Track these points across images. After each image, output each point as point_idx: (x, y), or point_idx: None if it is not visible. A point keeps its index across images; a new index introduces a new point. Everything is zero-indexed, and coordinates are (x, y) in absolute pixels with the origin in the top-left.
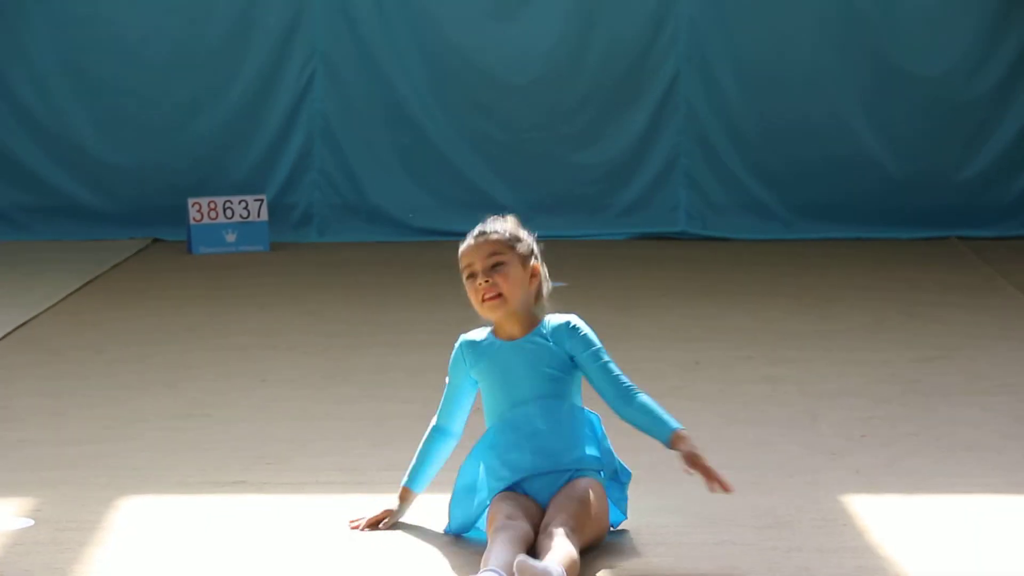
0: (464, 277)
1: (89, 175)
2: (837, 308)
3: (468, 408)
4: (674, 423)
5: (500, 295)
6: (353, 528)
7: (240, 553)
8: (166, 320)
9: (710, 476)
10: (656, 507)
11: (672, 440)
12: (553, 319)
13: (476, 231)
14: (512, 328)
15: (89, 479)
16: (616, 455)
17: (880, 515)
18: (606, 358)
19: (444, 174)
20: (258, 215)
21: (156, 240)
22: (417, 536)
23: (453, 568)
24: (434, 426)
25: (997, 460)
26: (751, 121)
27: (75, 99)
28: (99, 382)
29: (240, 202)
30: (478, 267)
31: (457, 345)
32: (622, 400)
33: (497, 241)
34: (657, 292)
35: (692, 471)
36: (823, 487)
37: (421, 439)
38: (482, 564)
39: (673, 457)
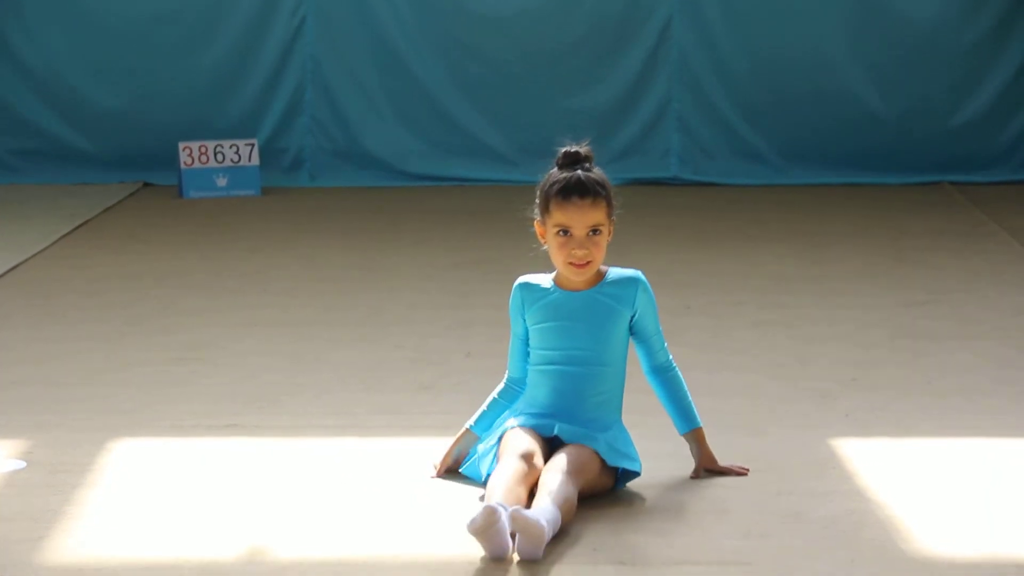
0: (552, 228)
1: (80, 119)
2: (828, 253)
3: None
4: (696, 420)
5: (590, 262)
6: (434, 478)
7: (233, 496)
8: (157, 264)
9: (726, 473)
10: (650, 451)
11: (689, 435)
12: (618, 272)
13: (577, 185)
14: (582, 283)
15: (82, 422)
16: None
17: (870, 458)
18: (659, 329)
19: (436, 119)
20: (249, 159)
21: (147, 184)
22: (409, 479)
23: (445, 510)
24: (508, 378)
25: (987, 403)
26: (744, 67)
27: (66, 42)
28: (91, 325)
29: (231, 146)
30: (577, 233)
31: (513, 290)
32: (657, 376)
33: (601, 208)
34: (648, 237)
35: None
36: (813, 431)
37: (494, 389)
38: (488, 490)
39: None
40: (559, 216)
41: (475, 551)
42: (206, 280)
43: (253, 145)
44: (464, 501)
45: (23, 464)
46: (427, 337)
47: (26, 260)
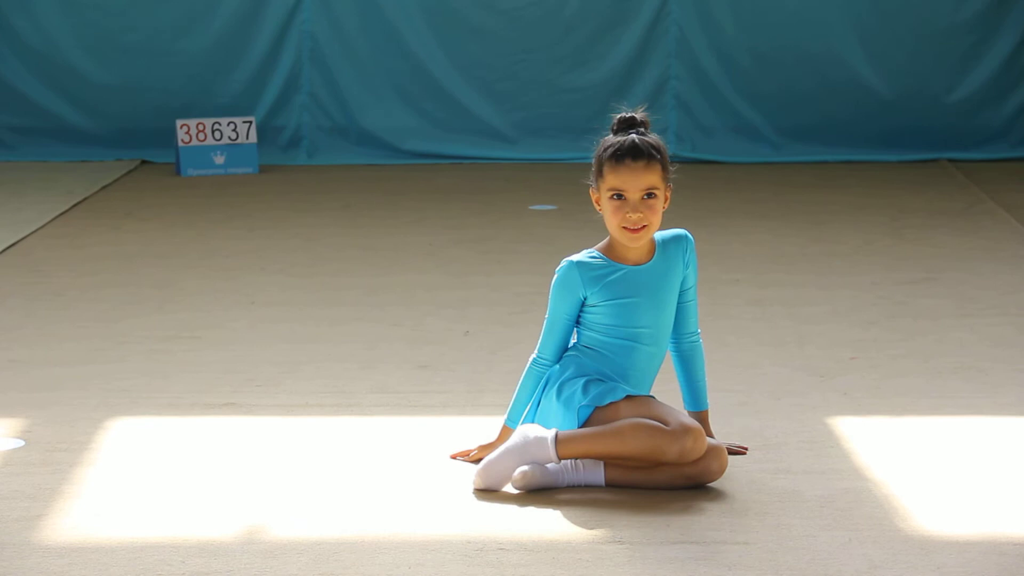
0: (606, 192)
1: (77, 96)
2: (826, 230)
3: (571, 336)
4: (705, 402)
5: (646, 227)
6: (453, 458)
7: (230, 475)
8: (155, 242)
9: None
10: None
11: (694, 415)
12: (664, 234)
13: (631, 148)
14: (639, 253)
15: (79, 400)
16: None
17: (867, 437)
18: (696, 293)
19: (433, 96)
20: (247, 137)
21: (144, 162)
22: (407, 458)
23: (442, 489)
24: (536, 359)
25: (984, 381)
26: (741, 44)
27: (63, 18)
28: (89, 304)
29: (229, 124)
30: (633, 196)
31: (566, 269)
32: (684, 343)
33: (656, 171)
34: None
35: None
36: (811, 409)
37: (521, 375)
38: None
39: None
40: (612, 180)
41: (472, 529)
42: (203, 258)
43: (251, 123)
44: (461, 481)
45: (21, 443)
46: (425, 315)
47: (23, 238)
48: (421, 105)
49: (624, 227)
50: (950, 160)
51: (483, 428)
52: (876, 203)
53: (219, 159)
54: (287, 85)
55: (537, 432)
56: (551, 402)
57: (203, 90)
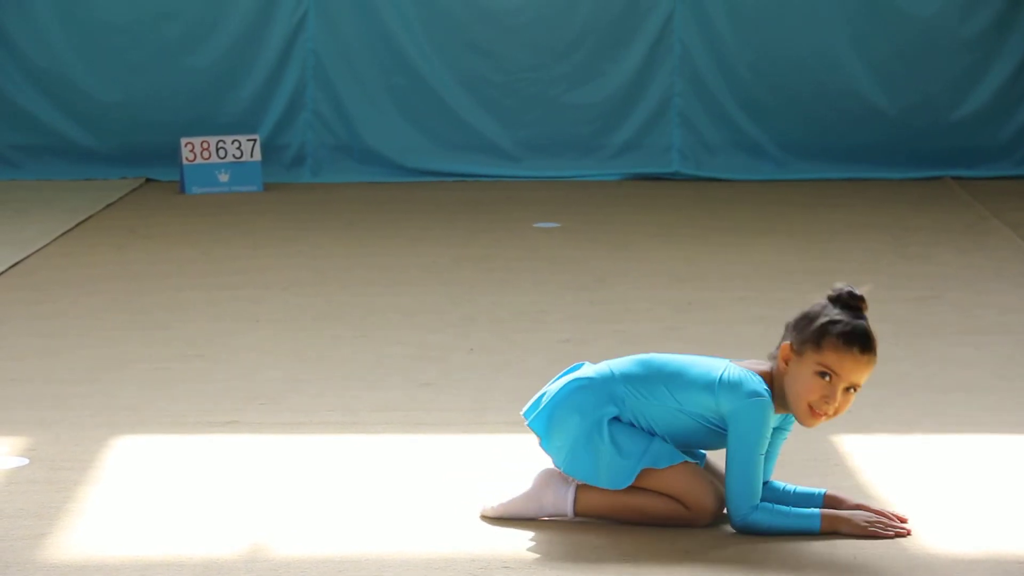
0: (813, 364)
1: (82, 114)
2: (830, 248)
3: None
4: (816, 493)
5: (827, 417)
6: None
7: (234, 493)
8: (159, 260)
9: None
10: None
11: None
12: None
13: (865, 337)
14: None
15: (83, 418)
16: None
17: (872, 455)
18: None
19: (437, 114)
20: (251, 155)
21: (149, 180)
22: (414, 476)
23: (445, 508)
24: (760, 504)
25: (988, 400)
26: (746, 62)
27: (69, 38)
28: (92, 322)
29: (233, 142)
30: (842, 384)
31: (770, 409)
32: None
33: (872, 367)
34: (650, 233)
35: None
36: (815, 427)
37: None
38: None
39: None
40: (832, 359)
41: (477, 548)
42: (207, 276)
43: (255, 141)
44: (466, 499)
45: (25, 461)
46: (428, 333)
47: (28, 256)
48: (425, 123)
49: (812, 408)
50: (954, 178)
51: (486, 446)
52: (880, 221)
53: (223, 177)
54: (291, 103)
55: (558, 483)
56: (603, 442)
57: (207, 108)
